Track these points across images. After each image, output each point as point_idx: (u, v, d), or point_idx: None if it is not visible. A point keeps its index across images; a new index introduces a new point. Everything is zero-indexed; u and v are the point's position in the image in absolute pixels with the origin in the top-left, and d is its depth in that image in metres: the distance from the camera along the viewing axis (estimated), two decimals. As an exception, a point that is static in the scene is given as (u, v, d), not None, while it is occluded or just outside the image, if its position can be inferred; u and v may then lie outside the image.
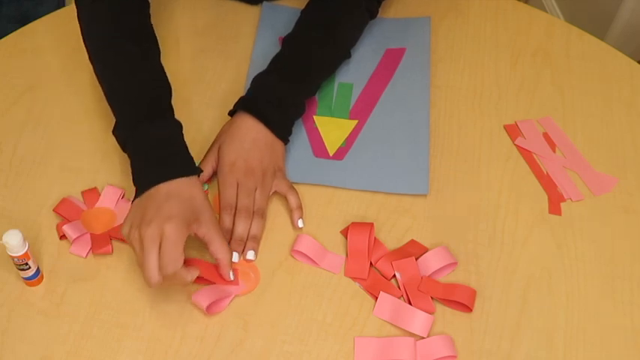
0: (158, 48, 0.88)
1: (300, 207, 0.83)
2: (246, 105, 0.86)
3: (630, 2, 1.63)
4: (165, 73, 0.86)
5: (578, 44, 1.04)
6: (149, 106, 0.81)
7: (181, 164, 0.78)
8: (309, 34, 0.93)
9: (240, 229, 0.80)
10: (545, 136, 0.93)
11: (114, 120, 0.82)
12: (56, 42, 1.01)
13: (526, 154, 0.91)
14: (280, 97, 0.87)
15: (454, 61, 1.01)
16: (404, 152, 0.90)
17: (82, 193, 0.84)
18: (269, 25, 1.03)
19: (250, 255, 0.79)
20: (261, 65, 0.91)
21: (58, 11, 1.06)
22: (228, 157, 0.83)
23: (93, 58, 0.87)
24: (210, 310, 0.75)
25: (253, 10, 1.06)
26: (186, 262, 0.78)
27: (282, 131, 0.86)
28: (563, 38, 1.05)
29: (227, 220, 0.81)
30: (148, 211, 0.73)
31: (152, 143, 0.78)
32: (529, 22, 1.07)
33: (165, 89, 0.85)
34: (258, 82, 0.89)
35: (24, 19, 1.27)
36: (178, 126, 0.81)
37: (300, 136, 0.91)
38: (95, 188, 0.85)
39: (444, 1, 1.09)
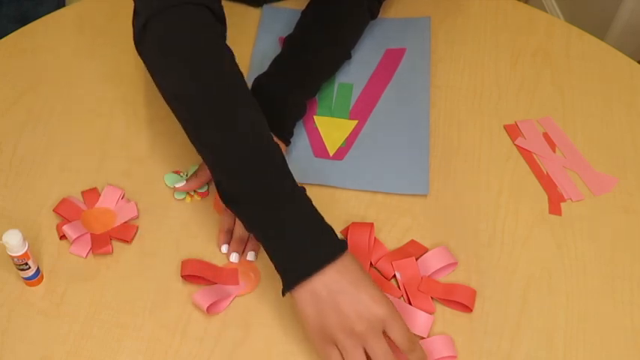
0: (238, 71, 0.77)
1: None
2: (247, 105, 0.86)
3: (630, 2, 1.63)
4: (252, 97, 0.76)
5: (578, 44, 1.04)
6: (273, 173, 0.72)
7: (335, 239, 0.70)
8: (310, 35, 0.93)
9: (241, 229, 0.80)
10: (545, 136, 0.93)
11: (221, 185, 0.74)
12: (56, 42, 1.01)
13: (526, 154, 0.91)
14: (282, 98, 0.87)
15: (454, 61, 1.01)
16: (404, 152, 0.90)
17: (82, 193, 0.84)
18: (269, 27, 1.03)
19: (251, 256, 0.79)
20: (261, 66, 0.91)
21: (58, 11, 1.06)
22: (229, 158, 0.83)
23: (185, 118, 0.76)
24: (210, 310, 0.75)
25: (254, 12, 1.06)
26: (186, 262, 0.78)
27: (284, 132, 0.86)
28: (563, 38, 1.05)
29: (228, 221, 0.81)
30: (346, 310, 0.66)
31: (298, 222, 0.70)
32: (529, 22, 1.07)
33: (273, 142, 0.74)
34: (259, 84, 0.88)
35: (24, 19, 1.27)
36: (303, 189, 0.73)
37: (300, 137, 0.91)
38: (95, 188, 0.85)
39: (444, 1, 1.09)
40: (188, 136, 0.76)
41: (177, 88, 0.75)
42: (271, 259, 0.71)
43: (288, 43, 0.93)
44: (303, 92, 0.90)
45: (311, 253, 0.68)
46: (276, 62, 0.91)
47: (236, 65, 0.77)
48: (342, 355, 0.67)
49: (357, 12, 0.97)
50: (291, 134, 0.87)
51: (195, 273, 0.77)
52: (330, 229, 0.71)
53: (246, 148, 0.72)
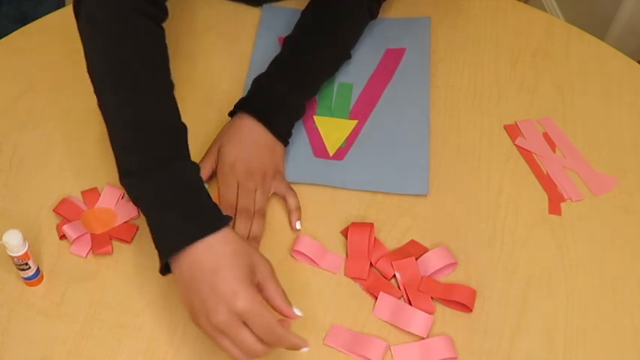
0: (167, 77, 0.79)
1: (298, 208, 0.83)
2: (246, 106, 0.86)
3: (630, 4, 1.63)
4: (174, 103, 0.77)
5: (578, 44, 1.04)
6: (162, 149, 0.73)
7: (210, 218, 0.69)
8: (310, 35, 0.93)
9: (241, 229, 0.80)
10: (545, 136, 0.93)
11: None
12: (56, 42, 1.01)
13: (526, 154, 0.91)
14: (281, 98, 0.87)
15: (454, 61, 1.01)
16: (404, 152, 0.90)
17: (82, 193, 0.84)
18: (269, 27, 1.03)
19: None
20: (261, 66, 0.91)
21: (58, 11, 1.06)
22: (228, 158, 0.83)
23: (95, 91, 0.78)
24: (210, 310, 0.75)
25: (254, 12, 1.06)
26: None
27: (283, 133, 0.86)
28: (563, 38, 1.05)
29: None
30: (206, 298, 0.65)
31: (173, 196, 0.70)
32: (529, 22, 1.07)
33: (176, 124, 0.76)
34: (259, 83, 0.89)
35: (24, 19, 1.27)
36: (196, 168, 0.73)
37: (300, 137, 0.91)
38: (95, 188, 0.85)
39: (444, 1, 1.09)
40: (101, 113, 0.77)
41: (95, 63, 0.78)
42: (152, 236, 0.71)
43: (288, 43, 0.93)
44: (303, 93, 0.90)
45: (179, 230, 0.68)
46: (276, 62, 0.91)
47: (160, 47, 0.79)
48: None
49: (357, 12, 0.97)
50: (290, 134, 0.87)
51: (195, 273, 0.77)
52: (209, 208, 0.70)
53: (150, 125, 0.73)
